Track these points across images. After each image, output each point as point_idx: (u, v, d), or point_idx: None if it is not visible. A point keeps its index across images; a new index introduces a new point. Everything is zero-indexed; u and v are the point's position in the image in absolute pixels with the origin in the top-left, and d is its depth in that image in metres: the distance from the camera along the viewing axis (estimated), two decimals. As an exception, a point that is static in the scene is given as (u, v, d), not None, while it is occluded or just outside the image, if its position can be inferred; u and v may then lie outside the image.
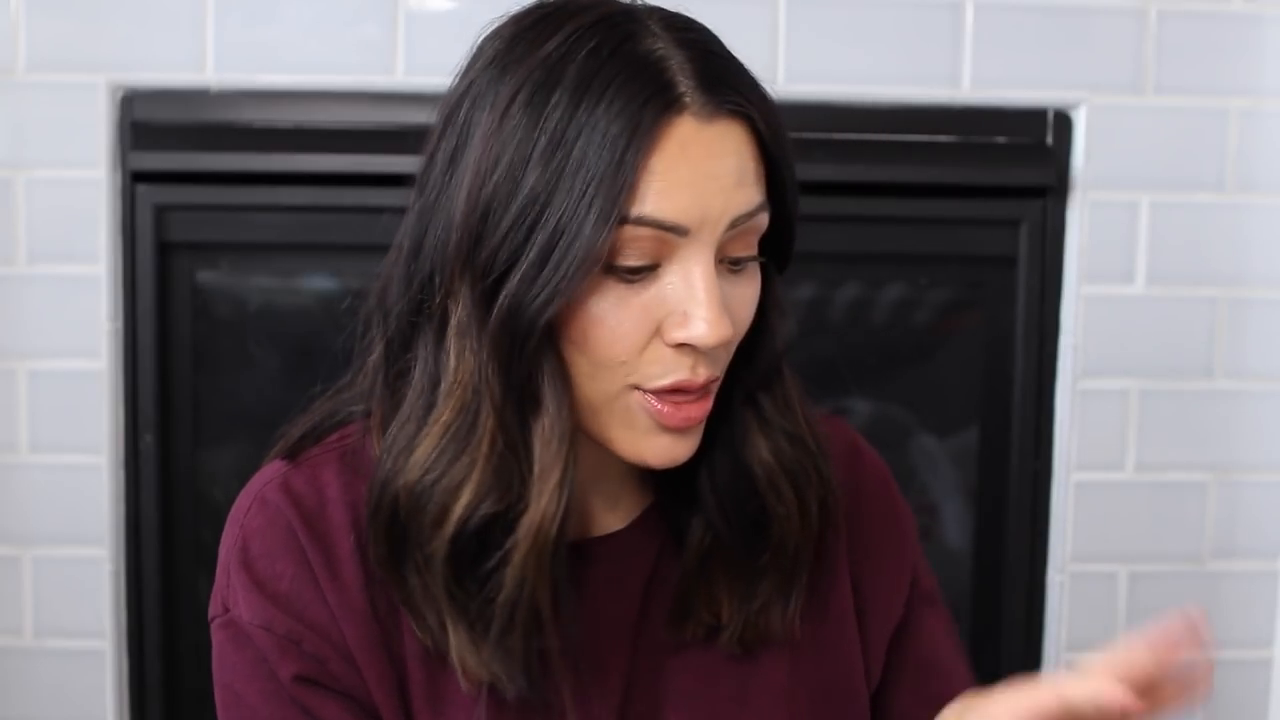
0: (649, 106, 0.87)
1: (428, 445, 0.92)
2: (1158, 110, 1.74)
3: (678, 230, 0.87)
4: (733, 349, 0.93)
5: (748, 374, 0.97)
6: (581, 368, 0.90)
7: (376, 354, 0.98)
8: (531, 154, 0.87)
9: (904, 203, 1.73)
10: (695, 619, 1.00)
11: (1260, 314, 1.78)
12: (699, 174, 0.88)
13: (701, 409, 0.92)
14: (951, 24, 1.70)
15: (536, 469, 0.90)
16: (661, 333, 0.89)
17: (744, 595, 1.00)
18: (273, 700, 0.95)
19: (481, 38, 0.94)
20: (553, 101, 0.87)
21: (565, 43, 0.89)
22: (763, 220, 0.92)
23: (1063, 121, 1.74)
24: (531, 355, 0.89)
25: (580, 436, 0.93)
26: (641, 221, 0.87)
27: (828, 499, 1.02)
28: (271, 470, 0.99)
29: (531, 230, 0.87)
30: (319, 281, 1.72)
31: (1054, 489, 1.79)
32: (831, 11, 1.69)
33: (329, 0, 1.65)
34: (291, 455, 1.00)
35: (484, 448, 0.90)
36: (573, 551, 0.96)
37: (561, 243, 0.86)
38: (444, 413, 0.91)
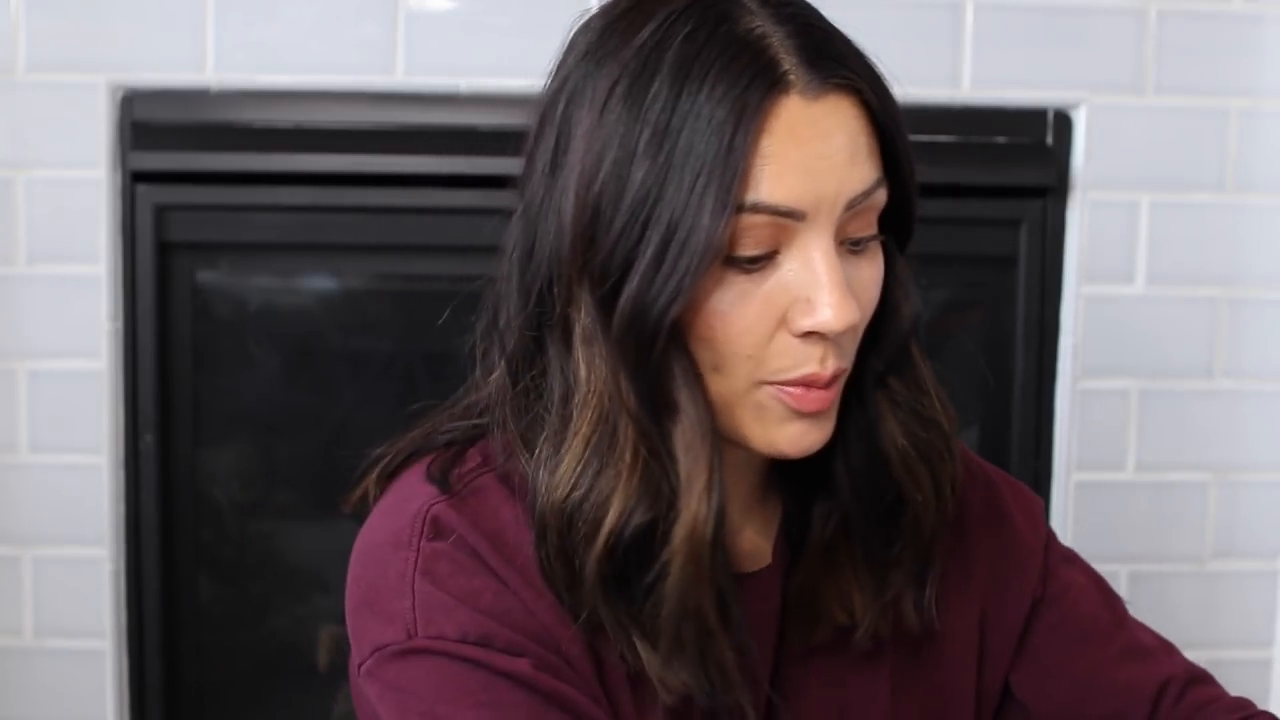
0: (753, 88, 0.83)
1: (570, 461, 0.87)
2: (1158, 110, 1.74)
3: (794, 215, 0.84)
4: (859, 336, 0.90)
5: (876, 357, 0.94)
6: (708, 365, 0.87)
7: (499, 371, 0.93)
8: (636, 148, 0.84)
9: (904, 203, 1.73)
10: (827, 618, 0.96)
11: (1260, 314, 1.78)
12: (810, 154, 0.85)
13: (833, 394, 0.89)
14: (951, 24, 1.70)
15: (683, 474, 0.86)
16: (787, 323, 0.86)
17: (877, 588, 0.96)
18: (495, 710, 0.86)
19: (573, 31, 0.91)
20: (652, 91, 0.84)
21: (660, 29, 0.85)
22: (881, 197, 0.89)
23: (1063, 121, 1.74)
24: (660, 357, 0.85)
25: (720, 443, 0.89)
26: (757, 209, 0.83)
27: (958, 480, 0.98)
28: (428, 493, 0.92)
29: (646, 227, 0.83)
30: (319, 281, 1.72)
31: (1054, 489, 1.79)
32: (831, 12, 1.68)
33: (329, 0, 1.65)
34: (441, 481, 0.93)
35: (627, 457, 0.86)
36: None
37: (678, 237, 0.83)
38: (581, 425, 0.87)
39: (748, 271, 0.85)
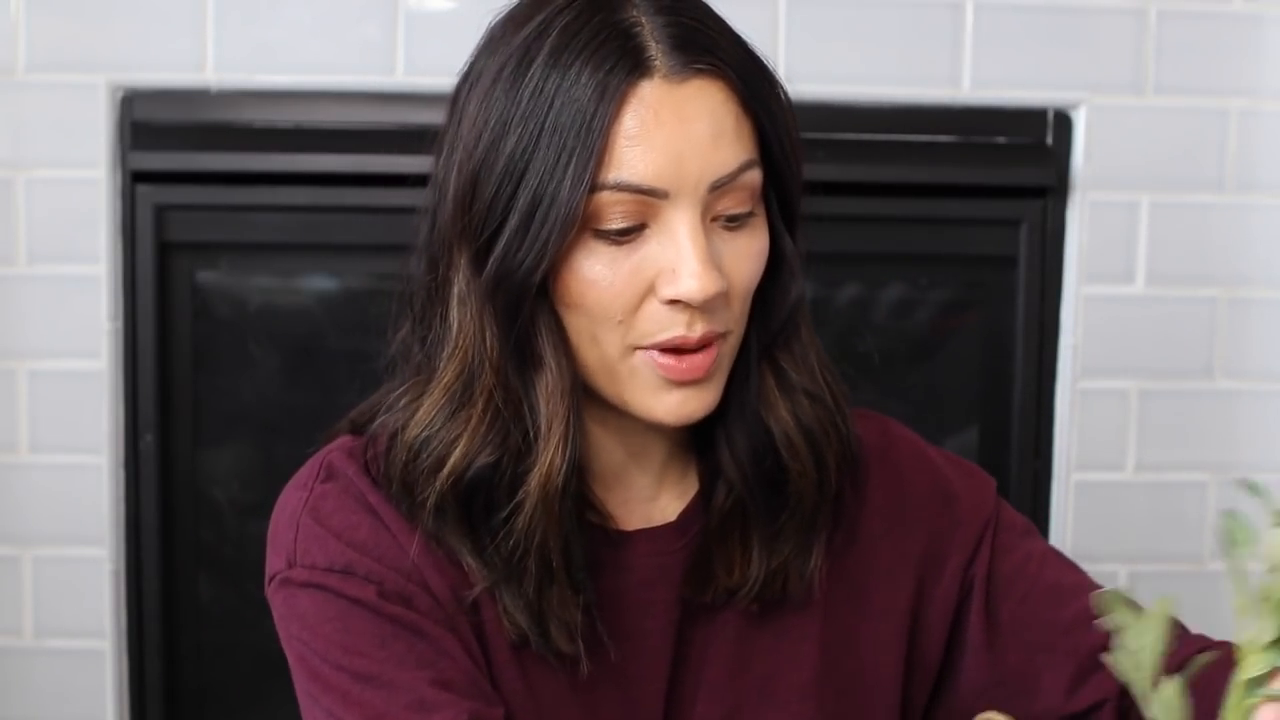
0: (616, 70, 0.89)
1: (429, 404, 0.95)
2: (1158, 110, 1.74)
3: (656, 193, 0.90)
4: (736, 305, 0.95)
5: (763, 332, 0.99)
6: (583, 331, 0.93)
7: (404, 331, 1.01)
8: (510, 122, 0.90)
9: (904, 203, 1.73)
10: (715, 580, 1.01)
11: (1260, 314, 1.78)
12: (672, 136, 0.90)
13: (707, 360, 0.93)
14: (951, 24, 1.70)
15: (543, 424, 0.93)
16: (655, 291, 0.91)
17: (761, 554, 1.01)
18: (347, 635, 0.94)
19: (488, 26, 0.97)
20: (530, 73, 0.90)
21: (545, 19, 0.92)
22: (752, 177, 0.93)
23: (1063, 121, 1.74)
24: (528, 316, 0.92)
25: (597, 407, 0.96)
26: (620, 187, 0.89)
27: (847, 455, 1.03)
28: (338, 442, 1.02)
29: (514, 194, 0.90)
30: (319, 281, 1.72)
31: (1054, 489, 1.79)
32: (831, 11, 1.69)
33: (329, 0, 1.65)
34: (356, 431, 1.02)
35: (479, 405, 0.93)
36: (618, 539, 0.99)
37: (542, 207, 0.89)
38: (445, 374, 0.95)
39: (617, 243, 0.91)
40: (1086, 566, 1.79)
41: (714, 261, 0.91)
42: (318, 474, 0.99)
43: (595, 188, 0.89)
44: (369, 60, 1.65)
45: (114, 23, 1.63)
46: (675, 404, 0.94)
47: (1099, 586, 1.10)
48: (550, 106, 0.89)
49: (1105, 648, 1.04)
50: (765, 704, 1.03)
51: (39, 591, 1.68)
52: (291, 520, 0.98)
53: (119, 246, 1.66)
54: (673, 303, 0.91)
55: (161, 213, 1.67)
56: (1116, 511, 1.78)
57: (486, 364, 0.93)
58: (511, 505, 0.94)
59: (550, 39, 0.91)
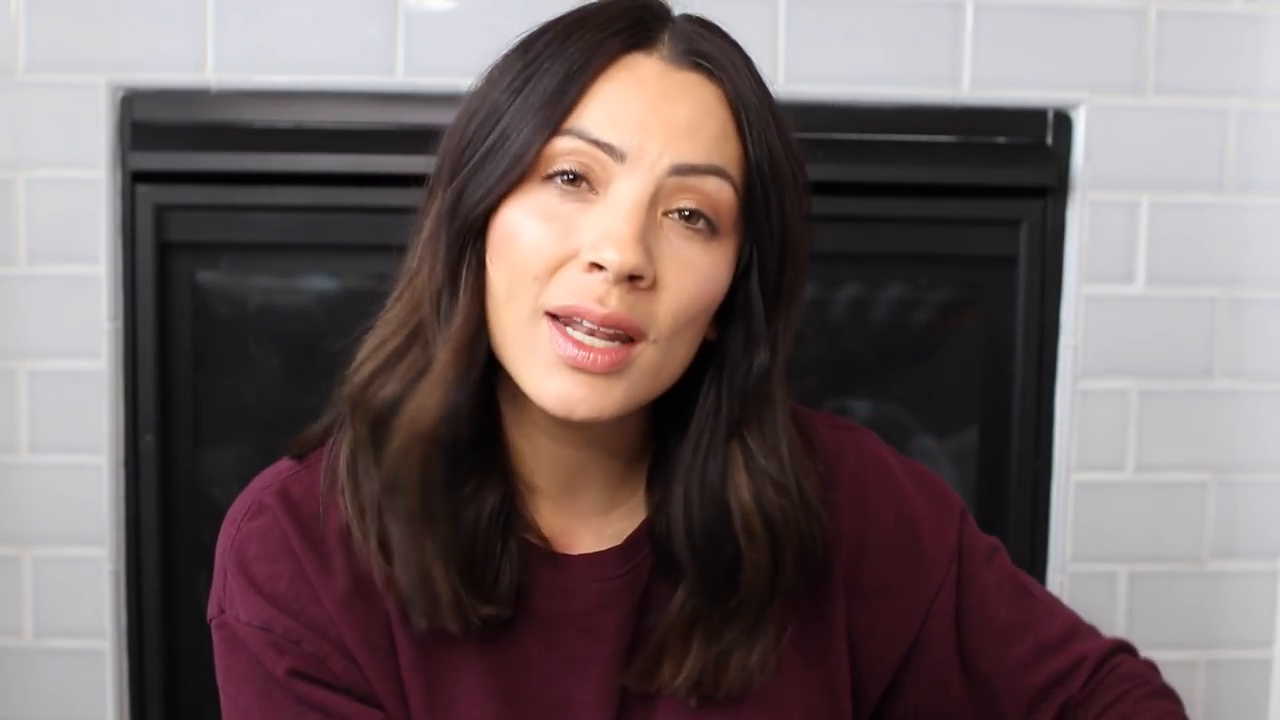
0: (615, 38, 0.91)
1: (375, 338, 0.96)
2: (1158, 110, 1.74)
3: (612, 152, 0.90)
4: (664, 313, 0.91)
5: (730, 397, 0.96)
6: (502, 287, 0.91)
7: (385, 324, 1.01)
8: (503, 79, 0.93)
9: (904, 203, 1.73)
10: (658, 676, 0.98)
11: (1260, 314, 1.78)
12: (648, 108, 0.90)
13: (611, 356, 0.90)
14: (951, 24, 1.70)
15: (435, 363, 0.92)
16: (578, 255, 0.90)
17: (704, 645, 0.97)
18: (265, 701, 0.96)
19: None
20: (540, 41, 0.93)
21: (564, 13, 0.95)
22: (718, 188, 0.92)
23: (1063, 121, 1.74)
24: (462, 253, 0.92)
25: (540, 413, 0.92)
26: (578, 134, 0.90)
27: (808, 557, 0.98)
28: (272, 473, 1.00)
29: (487, 135, 0.92)
30: (319, 281, 1.72)
31: (1054, 489, 1.79)
32: (831, 11, 1.69)
33: (329, 0, 1.65)
34: (299, 455, 1.01)
35: (411, 339, 0.94)
36: (560, 561, 0.98)
37: (504, 145, 0.90)
38: (395, 307, 0.96)
39: (561, 192, 0.90)
40: (1087, 567, 1.79)
41: (646, 244, 0.89)
42: (247, 510, 0.99)
43: (557, 132, 0.90)
44: (369, 60, 1.65)
45: (114, 23, 1.63)
46: (563, 388, 0.90)
47: (1053, 614, 1.11)
48: (544, 63, 0.92)
49: (1047, 686, 1.09)
50: None
51: (39, 591, 1.68)
52: (222, 564, 0.99)
53: (119, 246, 1.66)
54: (591, 268, 0.89)
55: (161, 213, 1.67)
56: (1116, 512, 1.78)
57: (425, 298, 0.93)
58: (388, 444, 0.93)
59: (567, 17, 0.94)
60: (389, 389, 0.93)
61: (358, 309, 1.02)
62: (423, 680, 0.96)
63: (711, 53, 0.93)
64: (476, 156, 0.92)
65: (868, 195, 1.72)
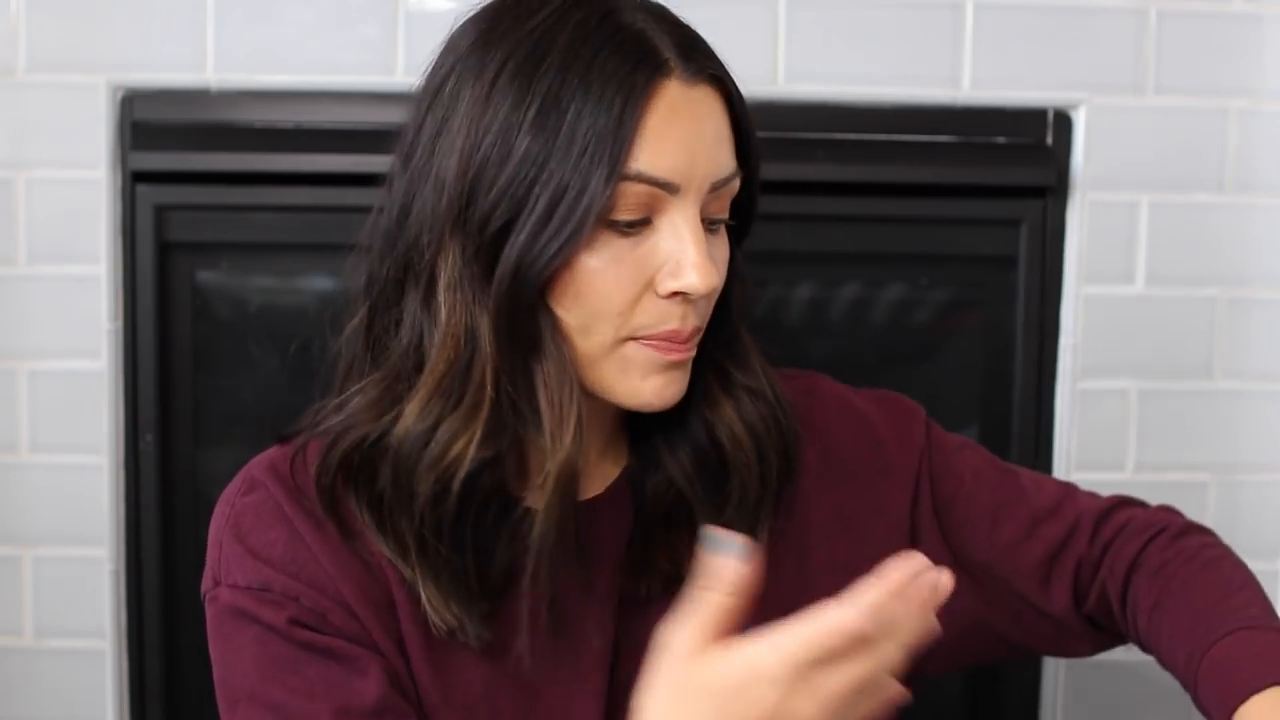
0: (640, 69, 0.92)
1: (422, 395, 0.95)
2: (1158, 110, 1.74)
3: (669, 187, 0.93)
4: (713, 301, 0.99)
5: (711, 339, 1.02)
6: (575, 323, 0.95)
7: (359, 317, 1.02)
8: (524, 119, 0.92)
9: (904, 203, 1.73)
10: (655, 570, 1.02)
11: (1260, 314, 1.78)
12: (686, 134, 0.93)
13: (692, 350, 0.98)
14: (951, 24, 1.70)
15: (550, 411, 0.94)
16: (654, 285, 0.94)
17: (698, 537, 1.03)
18: (265, 657, 0.96)
19: (461, 22, 0.99)
20: (543, 69, 0.92)
21: (551, 15, 0.94)
22: (736, 185, 0.98)
23: (1063, 121, 1.74)
24: (531, 309, 0.93)
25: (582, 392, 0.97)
26: (640, 178, 0.92)
27: (789, 450, 1.07)
28: (265, 454, 1.03)
29: (531, 188, 0.91)
30: (319, 281, 1.72)
31: (1054, 489, 1.79)
32: (831, 11, 1.69)
33: (329, 0, 1.65)
34: (284, 439, 1.04)
35: (477, 396, 0.94)
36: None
37: (566, 199, 0.91)
38: (438, 364, 0.95)
39: (624, 234, 0.94)
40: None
41: (711, 258, 0.95)
42: (240, 488, 1.01)
43: (620, 179, 0.91)
44: (369, 60, 1.65)
45: (114, 23, 1.63)
46: (660, 386, 0.97)
47: (1040, 486, 1.16)
48: (571, 103, 0.91)
49: (1051, 555, 1.12)
50: None
51: (39, 591, 1.68)
52: (217, 537, 1.00)
53: (119, 246, 1.66)
54: (672, 296, 0.94)
55: (161, 213, 1.67)
56: (1116, 511, 1.78)
57: (483, 353, 0.94)
58: (511, 501, 0.95)
59: (562, 36, 0.93)
60: (485, 452, 0.94)
61: (358, 309, 1.02)
62: (422, 634, 0.98)
63: (704, 54, 0.97)
64: (533, 213, 0.91)
65: (868, 195, 1.72)
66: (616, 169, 0.91)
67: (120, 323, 1.67)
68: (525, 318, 0.94)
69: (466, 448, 0.94)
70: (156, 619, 1.70)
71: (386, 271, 0.99)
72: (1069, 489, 1.17)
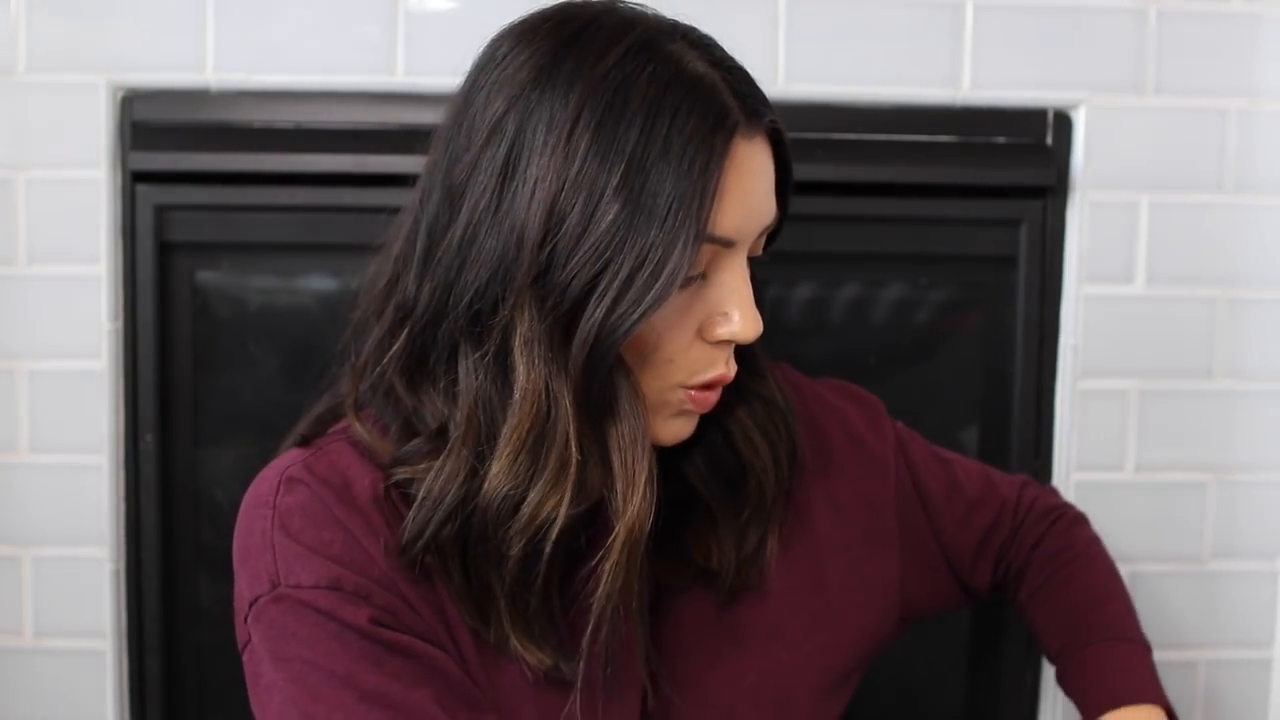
0: (718, 132, 0.92)
1: (509, 455, 0.93)
2: (1158, 110, 1.74)
3: (729, 243, 0.95)
4: None
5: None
6: (637, 374, 0.97)
7: (399, 344, 1.00)
8: (609, 181, 0.90)
9: (904, 203, 1.73)
10: (685, 560, 1.07)
11: (1260, 314, 1.78)
12: (747, 190, 0.95)
13: (718, 395, 1.01)
14: (951, 24, 1.70)
15: (622, 472, 0.94)
16: (702, 331, 0.97)
17: (733, 544, 1.07)
18: (349, 655, 0.94)
19: (506, 44, 0.97)
20: (624, 126, 0.90)
21: (621, 61, 0.92)
22: (773, 226, 1.01)
23: (1063, 121, 1.74)
24: (610, 368, 0.93)
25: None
26: (711, 239, 0.93)
27: (795, 451, 1.12)
28: (289, 456, 1.02)
29: (616, 254, 0.90)
30: (319, 281, 1.72)
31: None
32: (831, 11, 1.69)
33: (329, 0, 1.65)
34: (305, 443, 1.04)
35: (560, 455, 0.93)
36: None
37: (649, 264, 0.90)
38: (521, 424, 0.93)
39: (682, 289, 0.94)
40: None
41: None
42: (277, 489, 0.99)
43: (700, 243, 0.92)
44: (369, 60, 1.65)
45: (114, 23, 1.63)
46: (679, 428, 1.01)
47: (969, 473, 1.29)
48: (654, 165, 0.90)
49: (981, 541, 1.25)
50: (741, 650, 1.09)
51: (39, 591, 1.68)
52: (264, 541, 0.97)
53: (119, 246, 1.66)
54: (719, 342, 0.97)
55: (161, 213, 1.67)
56: (1116, 512, 1.78)
57: (565, 412, 0.92)
58: (597, 552, 0.95)
59: (639, 87, 0.91)
60: (568, 509, 0.94)
61: (370, 307, 1.03)
62: (470, 636, 0.99)
63: (759, 101, 0.97)
64: (618, 278, 0.90)
65: (868, 195, 1.72)
66: (701, 233, 0.91)
67: (120, 323, 1.67)
68: (604, 380, 0.93)
69: (557, 508, 0.93)
70: (156, 619, 1.70)
71: (433, 298, 0.97)
72: (987, 474, 1.30)
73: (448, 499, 0.95)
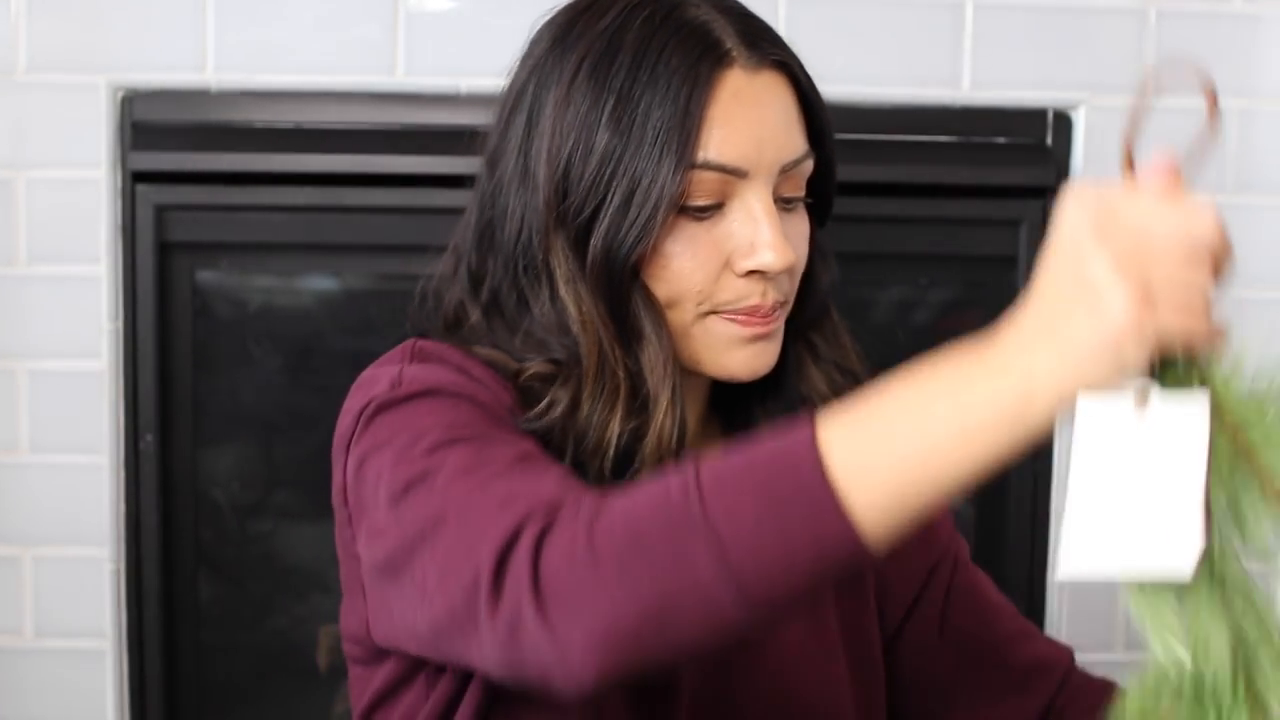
0: (703, 61, 0.98)
1: (590, 390, 0.99)
2: (1158, 110, 1.73)
3: (738, 173, 0.98)
4: (797, 278, 1.04)
5: (798, 315, 1.07)
6: (663, 299, 1.00)
7: (468, 328, 1.04)
8: (602, 115, 0.98)
9: (904, 203, 1.73)
10: None
11: (1260, 314, 1.78)
12: (751, 120, 0.99)
13: (776, 321, 1.02)
14: (951, 24, 1.70)
15: (651, 393, 0.99)
16: (731, 264, 1.00)
17: None
18: (456, 415, 0.96)
19: (538, 27, 1.06)
20: (615, 66, 0.98)
21: (619, 16, 1.00)
22: (808, 166, 1.03)
23: (1063, 122, 1.74)
24: (626, 292, 0.99)
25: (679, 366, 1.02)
26: (708, 166, 0.98)
27: None
28: (411, 340, 1.06)
29: (611, 180, 0.97)
30: (319, 281, 1.72)
31: (1054, 489, 1.79)
32: (831, 12, 1.69)
33: (329, 0, 1.65)
34: (419, 334, 1.07)
35: (619, 375, 0.99)
36: None
37: (640, 189, 0.97)
38: (589, 358, 0.99)
39: (698, 219, 0.99)
40: (1086, 566, 1.74)
41: (785, 236, 1.00)
42: (410, 354, 1.02)
43: (689, 168, 0.97)
44: (369, 60, 1.65)
45: (114, 23, 1.63)
46: (748, 358, 1.02)
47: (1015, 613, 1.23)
48: (641, 97, 0.97)
49: (1038, 663, 1.19)
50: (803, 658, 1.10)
51: (39, 591, 1.68)
52: (389, 370, 1.00)
53: (119, 246, 1.66)
54: (750, 274, 0.99)
55: (161, 213, 1.67)
56: (1116, 511, 1.78)
57: (607, 338, 0.99)
58: (629, 474, 0.99)
59: (631, 33, 0.98)
60: (628, 425, 0.98)
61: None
62: None
63: (768, 42, 1.02)
64: (612, 203, 0.97)
65: (868, 195, 1.72)
66: (685, 158, 0.96)
67: (120, 323, 1.67)
68: (621, 301, 0.99)
69: (619, 424, 0.98)
70: (156, 619, 1.70)
71: (496, 268, 1.03)
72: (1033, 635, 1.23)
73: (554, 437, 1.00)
